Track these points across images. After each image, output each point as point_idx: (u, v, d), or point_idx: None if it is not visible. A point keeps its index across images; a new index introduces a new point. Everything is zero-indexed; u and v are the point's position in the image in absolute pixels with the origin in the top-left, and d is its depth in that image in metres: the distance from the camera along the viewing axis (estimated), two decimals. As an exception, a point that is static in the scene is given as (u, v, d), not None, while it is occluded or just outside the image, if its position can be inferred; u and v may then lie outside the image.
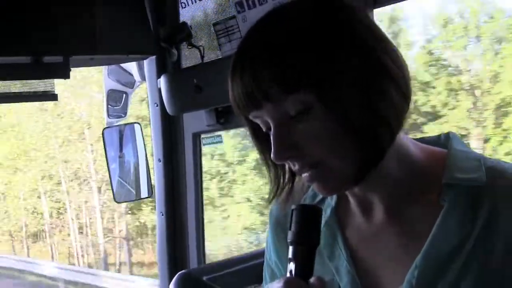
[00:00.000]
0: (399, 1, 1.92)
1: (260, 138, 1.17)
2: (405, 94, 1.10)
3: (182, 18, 2.47)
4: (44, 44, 2.22)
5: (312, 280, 1.05)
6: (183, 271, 2.48)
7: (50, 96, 2.36)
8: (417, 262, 1.11)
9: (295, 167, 1.11)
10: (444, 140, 1.22)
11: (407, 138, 1.16)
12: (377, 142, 1.08)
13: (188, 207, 2.66)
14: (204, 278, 2.25)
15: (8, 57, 2.18)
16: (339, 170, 1.09)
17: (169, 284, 2.37)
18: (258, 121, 1.12)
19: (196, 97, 2.30)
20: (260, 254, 2.40)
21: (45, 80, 2.32)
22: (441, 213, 1.11)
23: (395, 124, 1.09)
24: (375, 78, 1.06)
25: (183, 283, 2.29)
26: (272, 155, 1.09)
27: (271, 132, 1.09)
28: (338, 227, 1.22)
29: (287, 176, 1.20)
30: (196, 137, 2.63)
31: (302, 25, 1.06)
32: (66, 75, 2.28)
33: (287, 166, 1.17)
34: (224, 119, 2.46)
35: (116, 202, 2.74)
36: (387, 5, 1.93)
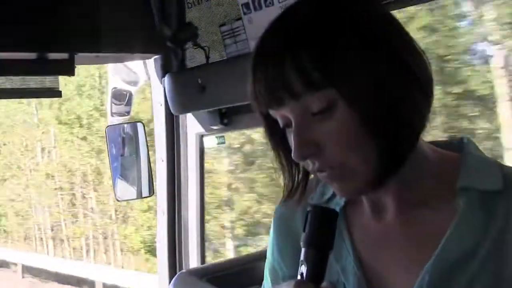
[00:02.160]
0: (403, 7, 1.92)
1: (275, 136, 1.15)
2: (428, 96, 1.08)
3: (188, 18, 2.47)
4: (50, 40, 2.23)
5: (323, 284, 1.04)
6: (182, 271, 2.48)
7: (54, 92, 2.36)
8: (428, 267, 1.08)
9: (315, 166, 1.08)
10: (458, 144, 1.19)
11: (422, 140, 1.13)
12: (399, 145, 1.06)
13: (189, 208, 2.67)
14: (204, 278, 2.25)
15: (13, 53, 2.18)
16: (359, 172, 1.06)
17: (168, 284, 2.37)
18: (277, 116, 1.09)
19: (200, 97, 2.31)
20: (261, 256, 2.40)
21: (50, 77, 2.32)
22: (455, 218, 1.09)
23: (417, 127, 1.08)
24: (398, 78, 1.03)
25: (182, 283, 2.29)
26: (292, 153, 1.06)
27: (291, 129, 1.07)
28: (346, 226, 1.19)
29: (301, 175, 1.17)
30: (200, 138, 2.64)
31: (323, 21, 1.04)
32: (71, 72, 2.29)
33: (301, 166, 1.15)
34: (228, 120, 2.46)
35: (117, 200, 2.74)
36: (391, 10, 1.92)
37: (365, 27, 1.05)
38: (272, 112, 1.09)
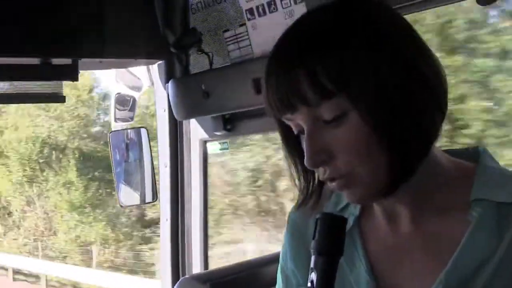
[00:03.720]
0: (411, 13, 1.91)
1: (290, 142, 1.15)
2: (441, 105, 1.08)
3: (192, 24, 2.48)
4: (54, 46, 2.23)
5: None
6: (186, 276, 2.47)
7: (58, 97, 2.36)
8: (442, 277, 1.09)
9: (326, 174, 1.09)
10: (472, 153, 1.19)
11: (436, 149, 1.14)
12: (410, 154, 1.06)
13: (192, 213, 2.66)
14: (207, 284, 2.25)
15: (17, 58, 2.19)
16: (370, 179, 1.06)
17: (171, 290, 2.37)
18: (290, 123, 1.10)
19: (204, 103, 2.31)
20: (265, 261, 2.40)
21: (54, 82, 2.32)
22: (469, 229, 1.09)
23: (429, 136, 1.08)
24: (413, 89, 1.04)
25: (185, 288, 2.28)
26: (305, 160, 1.07)
27: (304, 136, 1.08)
28: (360, 236, 1.20)
29: (316, 182, 1.18)
30: (203, 144, 2.64)
31: (338, 28, 1.05)
32: (74, 78, 2.29)
33: (316, 173, 1.15)
34: (231, 126, 2.46)
35: (121, 206, 2.74)
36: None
37: (379, 37, 1.05)
38: (285, 119, 1.10)
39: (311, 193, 1.18)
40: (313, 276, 1.04)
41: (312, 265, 1.04)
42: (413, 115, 1.04)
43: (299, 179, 1.18)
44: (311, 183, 1.18)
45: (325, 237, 1.05)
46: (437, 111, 1.08)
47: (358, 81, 1.02)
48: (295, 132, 1.11)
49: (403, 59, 1.05)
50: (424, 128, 1.06)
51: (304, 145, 1.08)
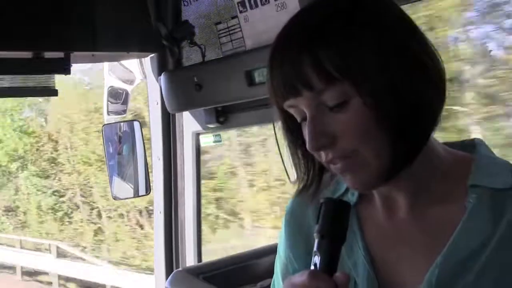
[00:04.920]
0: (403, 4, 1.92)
1: (291, 129, 1.17)
2: (442, 93, 1.11)
3: (184, 17, 2.48)
4: (46, 39, 2.23)
5: (337, 274, 1.04)
6: (179, 269, 2.48)
7: (50, 91, 2.36)
8: (438, 261, 1.10)
9: (328, 157, 1.10)
10: (469, 146, 1.22)
11: (435, 140, 1.17)
12: (411, 140, 1.08)
13: (186, 206, 2.67)
14: (200, 276, 2.26)
15: (9, 52, 2.18)
16: (372, 164, 1.08)
17: (165, 282, 2.38)
18: (292, 110, 1.12)
19: (196, 95, 2.31)
20: (257, 254, 2.41)
21: (46, 76, 2.32)
22: (465, 214, 1.12)
23: (430, 123, 1.10)
24: (412, 75, 1.06)
25: (178, 280, 2.30)
26: (307, 144, 1.09)
27: (306, 122, 1.10)
28: (358, 223, 1.22)
29: (316, 169, 1.19)
30: (196, 136, 2.64)
31: (339, 18, 1.07)
32: (66, 71, 2.29)
33: (316, 160, 1.17)
34: (224, 118, 2.47)
35: (114, 198, 2.74)
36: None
37: (379, 24, 1.08)
38: (287, 106, 1.12)
39: (312, 180, 1.20)
40: (316, 259, 1.05)
41: (315, 248, 1.05)
42: (413, 102, 1.06)
43: (299, 167, 1.20)
44: (312, 170, 1.20)
45: (329, 220, 1.06)
46: (437, 100, 1.10)
47: (361, 68, 1.05)
48: (298, 120, 1.13)
49: (404, 49, 1.07)
50: (424, 115, 1.09)
51: (306, 130, 1.10)
